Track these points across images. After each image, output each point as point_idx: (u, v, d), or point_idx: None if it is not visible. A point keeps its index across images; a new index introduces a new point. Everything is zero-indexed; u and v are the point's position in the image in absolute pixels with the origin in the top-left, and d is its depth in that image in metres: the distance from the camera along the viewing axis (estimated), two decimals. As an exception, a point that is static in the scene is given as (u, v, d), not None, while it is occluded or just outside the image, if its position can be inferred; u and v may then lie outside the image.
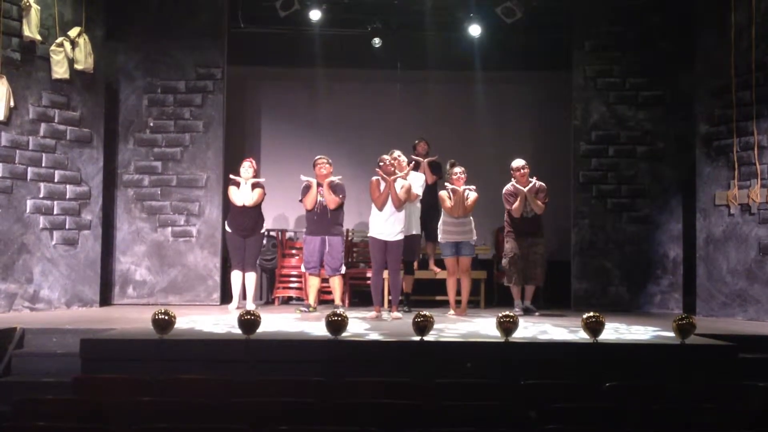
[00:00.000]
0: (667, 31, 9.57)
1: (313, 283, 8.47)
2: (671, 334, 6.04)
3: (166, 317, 5.82)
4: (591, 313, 5.95)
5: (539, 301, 9.02)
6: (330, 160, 8.50)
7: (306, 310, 8.36)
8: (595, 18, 9.72)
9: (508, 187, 8.50)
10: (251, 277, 8.75)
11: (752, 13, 8.40)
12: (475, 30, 9.98)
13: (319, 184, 8.38)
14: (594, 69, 9.64)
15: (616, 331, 6.81)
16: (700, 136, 9.04)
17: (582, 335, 6.05)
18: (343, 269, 8.49)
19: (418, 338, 5.91)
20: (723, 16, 8.71)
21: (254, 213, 8.67)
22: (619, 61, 9.63)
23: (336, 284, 8.42)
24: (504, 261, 8.59)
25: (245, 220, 8.60)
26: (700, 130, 9.04)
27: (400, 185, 7.89)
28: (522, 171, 8.42)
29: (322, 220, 8.30)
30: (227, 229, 8.77)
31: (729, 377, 5.57)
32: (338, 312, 6.03)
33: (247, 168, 8.71)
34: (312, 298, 8.48)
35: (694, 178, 9.09)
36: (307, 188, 8.36)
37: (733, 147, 8.61)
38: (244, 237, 8.66)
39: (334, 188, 8.35)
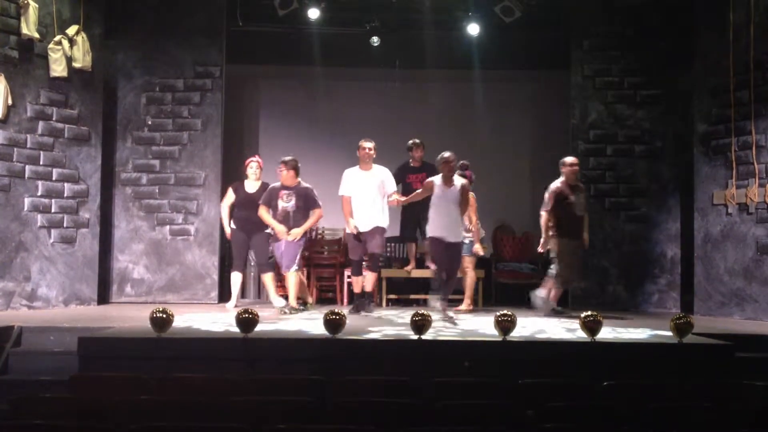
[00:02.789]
0: (665, 31, 9.58)
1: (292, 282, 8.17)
2: (669, 333, 6.05)
3: (164, 316, 5.82)
4: (589, 312, 5.96)
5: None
6: (294, 164, 8.10)
7: (288, 312, 8.02)
8: (593, 17, 9.74)
9: (558, 185, 8.23)
10: (268, 278, 8.48)
11: (751, 12, 8.41)
12: (473, 29, 9.97)
13: (284, 187, 8.13)
14: (592, 68, 9.65)
15: (613, 330, 6.81)
16: (698, 136, 9.05)
17: (580, 334, 6.05)
18: (296, 267, 8.10)
19: (416, 337, 5.91)
20: (722, 16, 8.71)
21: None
22: (617, 61, 9.64)
23: (290, 282, 8.11)
24: (560, 265, 8.12)
25: (251, 213, 8.36)
26: (699, 129, 9.04)
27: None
28: (574, 167, 8.23)
29: (286, 224, 8.05)
30: (232, 225, 8.69)
31: (726, 376, 5.57)
32: (336, 311, 6.03)
33: (255, 169, 8.65)
34: (291, 297, 8.16)
35: (692, 177, 9.10)
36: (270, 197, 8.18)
37: (731, 146, 8.61)
38: (249, 233, 8.52)
39: (305, 200, 8.08)
